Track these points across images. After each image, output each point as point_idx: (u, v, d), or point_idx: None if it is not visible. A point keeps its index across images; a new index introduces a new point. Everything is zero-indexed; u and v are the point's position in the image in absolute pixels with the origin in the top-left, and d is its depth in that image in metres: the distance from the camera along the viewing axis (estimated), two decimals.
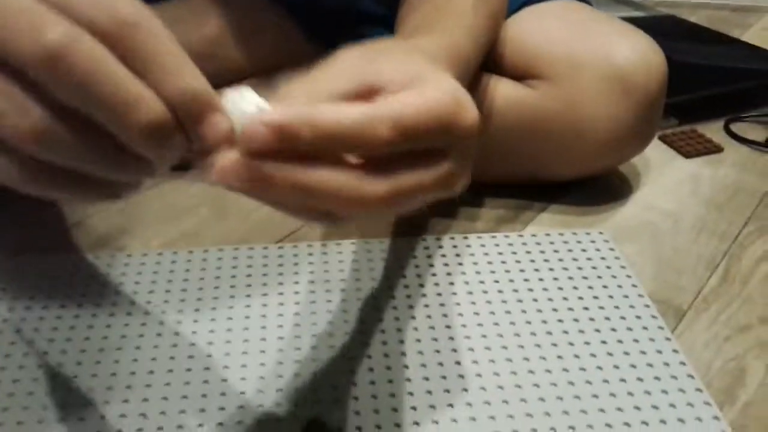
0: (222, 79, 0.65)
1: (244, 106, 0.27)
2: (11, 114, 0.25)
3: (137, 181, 0.29)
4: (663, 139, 0.76)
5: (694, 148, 0.74)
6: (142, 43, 0.25)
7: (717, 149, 0.75)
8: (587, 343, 0.48)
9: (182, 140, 0.27)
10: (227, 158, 0.27)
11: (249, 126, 0.26)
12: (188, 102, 0.26)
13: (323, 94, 0.30)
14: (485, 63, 0.62)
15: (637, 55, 0.58)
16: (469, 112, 0.31)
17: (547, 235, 0.59)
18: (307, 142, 0.27)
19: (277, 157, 0.27)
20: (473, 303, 0.51)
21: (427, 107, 0.29)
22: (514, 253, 0.56)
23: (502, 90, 0.61)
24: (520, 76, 0.61)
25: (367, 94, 0.31)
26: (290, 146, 0.26)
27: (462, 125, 0.30)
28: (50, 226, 0.60)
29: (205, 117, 0.26)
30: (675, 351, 0.47)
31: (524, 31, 0.62)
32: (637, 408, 0.43)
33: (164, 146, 0.26)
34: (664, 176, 0.70)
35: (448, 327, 0.49)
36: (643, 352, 0.47)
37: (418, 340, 0.48)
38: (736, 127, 0.78)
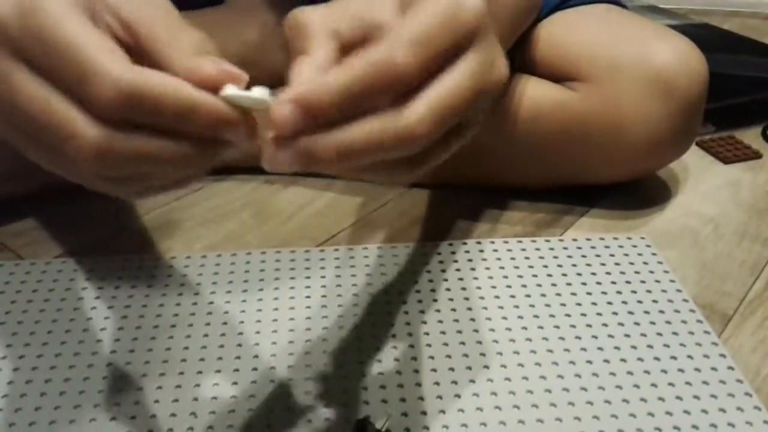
0: (263, 84, 0.66)
1: (255, 95, 0.27)
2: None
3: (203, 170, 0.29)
4: (701, 145, 0.75)
5: (732, 153, 0.74)
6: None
7: (755, 155, 0.74)
8: (633, 347, 0.47)
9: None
10: (268, 152, 0.27)
11: (277, 110, 0.26)
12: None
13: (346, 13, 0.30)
14: (522, 64, 0.63)
15: (678, 58, 0.58)
16: (484, 21, 0.29)
17: (588, 239, 0.59)
18: (336, 104, 0.26)
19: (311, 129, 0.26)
20: (516, 307, 0.51)
21: (432, 19, 0.28)
22: (556, 257, 0.56)
23: (541, 91, 0.61)
24: (558, 77, 0.61)
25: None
26: (319, 114, 0.26)
27: (480, 37, 0.29)
28: (95, 229, 0.60)
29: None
30: (722, 356, 0.47)
31: (562, 33, 0.62)
32: (687, 412, 0.43)
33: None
34: (703, 182, 0.70)
35: (491, 330, 0.49)
36: (690, 357, 0.47)
37: (462, 343, 0.48)
38: None
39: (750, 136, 0.78)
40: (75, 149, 0.26)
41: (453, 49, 0.28)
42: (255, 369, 0.45)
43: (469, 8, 0.29)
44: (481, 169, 0.64)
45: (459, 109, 0.28)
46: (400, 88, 0.27)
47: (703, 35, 0.97)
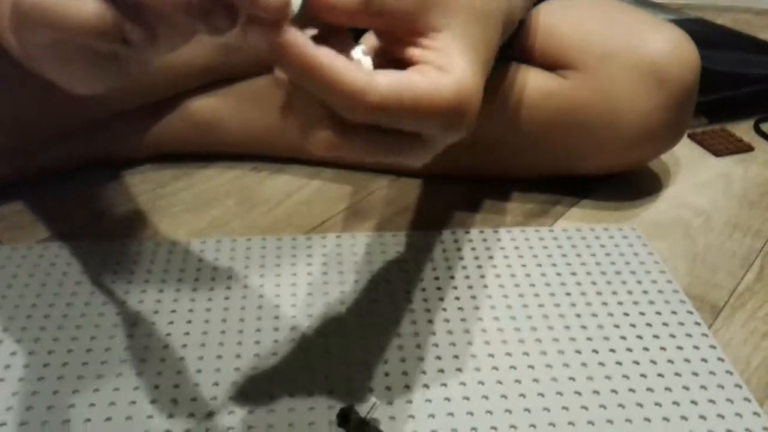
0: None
1: None
2: None
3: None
4: (693, 137, 0.75)
5: (724, 146, 0.73)
6: None
7: (747, 148, 0.74)
8: (623, 337, 0.47)
9: None
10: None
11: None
12: None
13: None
14: (515, 52, 0.62)
15: (670, 46, 0.58)
16: (465, 116, 0.32)
17: (579, 230, 0.58)
18: (295, 74, 0.28)
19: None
20: (505, 296, 0.50)
21: (425, 102, 0.30)
22: (546, 247, 0.56)
23: (533, 80, 0.60)
24: (550, 66, 0.60)
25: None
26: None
27: (453, 129, 0.32)
28: (78, 214, 0.59)
29: None
30: (712, 347, 0.46)
31: (555, 21, 0.61)
32: (676, 403, 0.42)
33: None
34: (695, 174, 0.69)
35: (479, 319, 0.48)
36: (680, 348, 0.46)
37: (450, 332, 0.47)
38: (766, 127, 0.77)
39: (742, 129, 0.78)
40: None
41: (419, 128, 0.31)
42: (238, 356, 0.45)
43: (462, 122, 0.32)
44: (472, 159, 0.64)
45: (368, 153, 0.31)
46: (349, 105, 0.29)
47: (697, 30, 0.96)
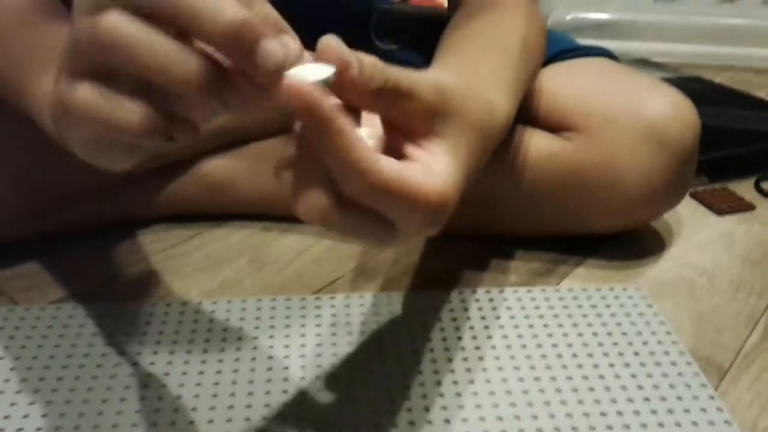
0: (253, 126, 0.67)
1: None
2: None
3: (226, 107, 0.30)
4: (694, 196, 0.76)
5: (726, 205, 0.74)
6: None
7: (749, 207, 0.75)
8: (630, 400, 0.47)
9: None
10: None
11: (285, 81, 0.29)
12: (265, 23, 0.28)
13: (410, 85, 0.34)
14: (519, 114, 0.64)
15: (670, 109, 0.59)
16: (438, 222, 0.34)
17: (584, 289, 0.59)
18: (317, 131, 0.29)
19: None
20: (512, 357, 0.51)
21: (410, 195, 0.32)
22: (552, 307, 0.56)
23: (537, 141, 0.62)
24: (553, 128, 0.62)
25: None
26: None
27: (424, 227, 0.34)
28: (92, 275, 0.60)
29: (258, 41, 0.28)
30: (719, 409, 0.47)
31: (558, 84, 0.63)
32: None
33: (252, 52, 0.27)
34: (698, 233, 0.70)
35: (488, 381, 0.49)
36: (688, 411, 0.46)
37: (458, 394, 0.47)
38: (766, 186, 0.79)
39: (743, 188, 0.79)
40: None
41: (395, 217, 0.33)
42: (247, 419, 0.45)
43: (437, 222, 0.34)
44: (477, 218, 0.65)
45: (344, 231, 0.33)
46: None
47: (696, 88, 0.99)
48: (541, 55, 0.59)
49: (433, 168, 0.34)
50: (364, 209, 0.32)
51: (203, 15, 0.27)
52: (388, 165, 0.31)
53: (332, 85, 0.30)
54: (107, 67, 0.29)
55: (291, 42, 0.29)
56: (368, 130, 0.34)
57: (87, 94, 0.30)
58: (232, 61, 0.28)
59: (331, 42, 0.30)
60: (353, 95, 0.32)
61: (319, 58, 0.30)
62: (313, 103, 0.28)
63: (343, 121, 0.29)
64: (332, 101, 0.30)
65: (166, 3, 0.27)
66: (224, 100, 0.29)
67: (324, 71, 0.30)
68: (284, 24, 0.29)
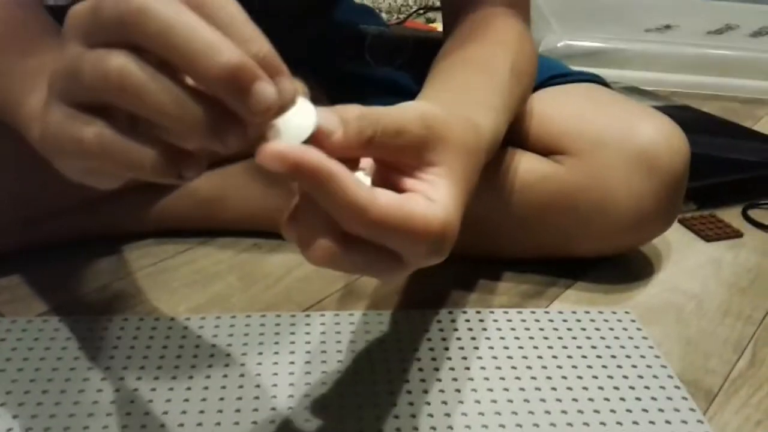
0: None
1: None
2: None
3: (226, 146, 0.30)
4: (683, 222, 0.77)
5: (714, 232, 0.75)
6: (217, 10, 0.28)
7: (736, 234, 0.75)
8: (619, 423, 0.47)
9: (266, 90, 0.28)
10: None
11: (266, 148, 0.29)
12: (262, 63, 0.28)
13: (397, 124, 0.34)
14: (510, 137, 0.64)
15: (660, 135, 0.60)
16: (441, 249, 0.34)
17: (574, 312, 0.59)
18: (308, 184, 0.30)
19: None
20: (502, 378, 0.51)
21: (411, 226, 0.32)
22: (542, 329, 0.56)
23: (527, 164, 0.62)
24: (544, 151, 0.63)
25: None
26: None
27: (429, 255, 0.34)
28: (79, 288, 0.60)
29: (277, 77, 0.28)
30: None
31: (550, 108, 0.64)
32: None
33: (246, 94, 0.27)
34: (686, 259, 0.71)
35: (477, 402, 0.48)
36: None
37: (447, 414, 0.47)
38: (754, 214, 0.80)
39: (731, 215, 0.80)
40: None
41: (398, 249, 0.33)
42: None
43: (441, 251, 0.34)
44: (467, 240, 0.65)
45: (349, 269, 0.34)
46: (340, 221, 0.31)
47: (685, 117, 1.00)
48: (531, 79, 0.60)
49: (432, 196, 0.35)
50: (370, 246, 0.32)
51: (199, 56, 0.27)
52: (386, 198, 0.31)
53: (319, 146, 0.31)
54: (110, 104, 0.29)
55: (287, 84, 0.29)
56: (364, 171, 0.34)
57: (98, 131, 0.30)
58: (226, 102, 0.28)
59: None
60: (343, 151, 0.32)
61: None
62: (297, 163, 0.29)
63: (332, 166, 0.29)
64: (316, 152, 0.30)
65: (162, 44, 0.27)
66: (225, 142, 0.29)
67: (309, 120, 0.30)
68: (281, 65, 0.29)
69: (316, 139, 0.30)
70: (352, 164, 0.33)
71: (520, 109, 0.58)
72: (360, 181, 0.31)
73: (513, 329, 0.56)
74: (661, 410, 0.48)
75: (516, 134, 0.64)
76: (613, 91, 0.69)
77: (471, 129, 0.41)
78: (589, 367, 0.52)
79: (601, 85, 0.70)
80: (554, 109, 0.64)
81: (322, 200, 0.30)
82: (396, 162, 0.36)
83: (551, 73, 0.68)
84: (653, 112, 0.63)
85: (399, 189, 0.35)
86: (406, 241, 0.32)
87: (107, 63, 0.28)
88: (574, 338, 0.56)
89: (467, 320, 0.57)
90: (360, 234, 0.31)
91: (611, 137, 0.60)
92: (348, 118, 0.32)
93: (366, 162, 0.35)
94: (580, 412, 0.48)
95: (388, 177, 0.36)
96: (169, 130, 0.29)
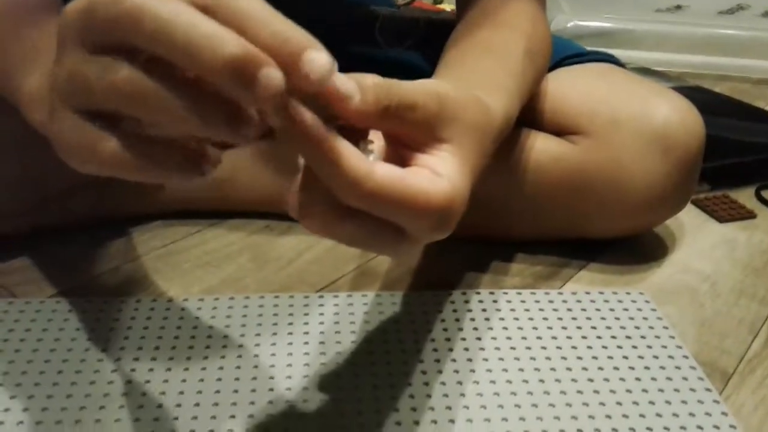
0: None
1: None
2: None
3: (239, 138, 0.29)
4: (696, 203, 0.76)
5: (727, 213, 0.74)
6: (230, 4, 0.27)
7: (750, 215, 0.75)
8: (635, 403, 0.47)
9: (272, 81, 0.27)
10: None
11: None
12: (281, 44, 0.27)
13: (411, 97, 0.33)
14: (524, 117, 0.64)
15: (676, 115, 0.60)
16: (445, 225, 0.34)
17: (588, 293, 0.59)
18: (305, 151, 0.29)
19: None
20: (516, 359, 0.51)
21: (412, 198, 0.32)
22: (555, 310, 0.56)
23: (542, 144, 0.61)
24: (559, 131, 0.62)
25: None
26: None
27: (432, 230, 0.33)
28: (92, 269, 0.60)
29: (300, 56, 0.27)
30: (724, 414, 0.46)
31: (564, 88, 0.63)
32: None
33: (252, 83, 0.26)
34: (699, 239, 0.70)
35: (492, 382, 0.48)
36: (692, 414, 0.46)
37: (462, 395, 0.47)
38: (767, 194, 0.79)
39: (744, 196, 0.79)
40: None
41: (402, 223, 0.33)
42: (251, 416, 0.45)
43: (445, 226, 0.34)
44: (481, 220, 0.65)
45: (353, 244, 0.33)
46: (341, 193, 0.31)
47: (697, 97, 0.99)
48: (546, 60, 0.59)
49: (439, 171, 0.34)
50: (368, 218, 0.32)
51: (201, 51, 0.26)
52: (384, 171, 0.31)
53: (335, 110, 0.30)
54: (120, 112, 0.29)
55: (322, 57, 0.27)
56: (372, 153, 0.33)
57: (114, 148, 0.29)
58: (235, 95, 0.27)
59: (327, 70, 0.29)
60: (358, 119, 0.32)
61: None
62: (298, 127, 0.28)
63: (327, 135, 0.29)
64: (316, 117, 0.29)
65: (161, 42, 0.26)
66: (243, 134, 0.28)
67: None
68: (311, 40, 0.28)
69: (333, 103, 0.30)
70: (361, 135, 0.33)
71: (534, 90, 0.58)
72: (357, 151, 0.30)
73: (527, 310, 0.56)
74: (676, 390, 0.48)
75: (530, 114, 0.64)
76: (628, 71, 0.68)
77: (482, 109, 0.41)
78: (604, 347, 0.52)
79: (616, 65, 0.69)
80: (569, 89, 0.63)
81: (318, 167, 0.30)
82: (407, 137, 0.35)
83: (566, 53, 0.67)
84: (669, 92, 0.63)
85: (408, 164, 0.35)
86: (406, 215, 0.32)
87: (113, 75, 0.28)
88: (589, 319, 0.55)
89: (480, 301, 0.57)
90: (355, 205, 0.31)
91: (626, 117, 0.60)
92: (366, 85, 0.31)
93: (376, 144, 0.35)
94: (596, 392, 0.48)
95: (398, 152, 0.36)
96: (184, 132, 0.29)
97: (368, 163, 0.31)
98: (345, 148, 0.30)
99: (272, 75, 0.26)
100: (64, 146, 0.32)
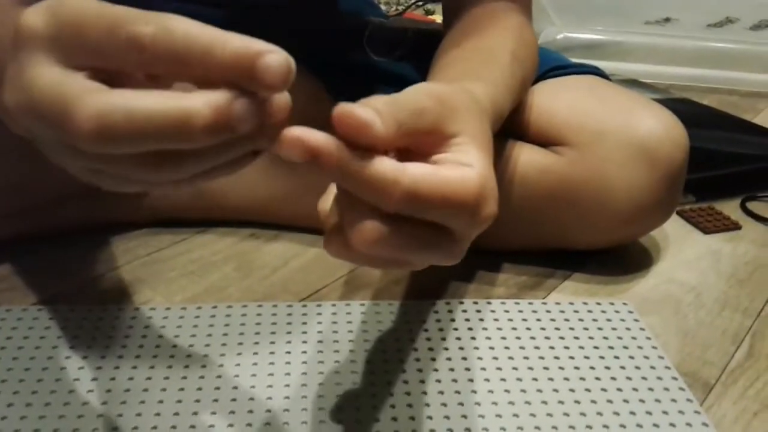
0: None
1: None
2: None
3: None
4: (681, 214, 0.77)
5: (712, 224, 0.75)
6: (165, 49, 0.27)
7: (735, 226, 0.75)
8: (616, 413, 0.47)
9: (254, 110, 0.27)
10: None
11: (286, 135, 0.28)
12: (233, 67, 0.26)
13: (414, 106, 0.33)
14: (510, 128, 0.64)
15: (661, 127, 0.60)
16: (487, 207, 0.33)
17: (572, 303, 0.59)
18: (331, 171, 0.29)
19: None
20: (499, 369, 0.51)
21: (448, 191, 0.31)
22: (539, 320, 0.56)
23: (528, 156, 0.62)
24: (544, 142, 0.62)
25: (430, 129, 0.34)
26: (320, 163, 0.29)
27: (475, 218, 0.32)
28: (74, 277, 0.60)
29: (252, 71, 0.26)
30: (705, 424, 0.47)
31: (550, 100, 0.63)
32: None
33: (237, 126, 0.27)
34: (684, 250, 0.70)
35: (474, 392, 0.48)
36: (673, 425, 0.46)
37: (444, 404, 0.47)
38: (752, 206, 0.79)
39: (729, 208, 0.79)
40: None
41: (443, 221, 0.32)
42: (231, 425, 0.44)
43: (485, 212, 0.33)
44: None
45: (399, 263, 0.33)
46: (374, 203, 0.30)
47: (684, 110, 0.99)
48: (533, 65, 0.59)
49: (462, 161, 0.34)
50: (417, 222, 0.31)
51: (211, 50, 0.26)
52: (415, 167, 0.30)
53: (356, 141, 0.30)
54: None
55: (277, 56, 0.27)
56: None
57: (114, 182, 0.30)
58: (241, 85, 0.27)
59: (345, 108, 0.29)
60: (381, 143, 0.31)
61: (336, 126, 0.29)
62: (316, 147, 0.28)
63: (348, 152, 0.29)
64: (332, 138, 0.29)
65: (180, 54, 0.26)
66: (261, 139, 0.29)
67: None
68: (261, 46, 0.27)
69: (355, 133, 0.29)
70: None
71: (523, 92, 0.58)
72: (379, 156, 0.30)
73: (510, 320, 0.56)
74: (658, 401, 0.48)
75: (516, 126, 0.64)
76: (614, 83, 0.68)
77: (470, 96, 0.40)
78: (587, 358, 0.52)
79: (602, 77, 0.69)
80: (554, 101, 0.64)
81: (351, 185, 0.30)
82: (419, 144, 0.34)
83: (551, 65, 0.68)
84: (653, 105, 0.63)
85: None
86: (448, 209, 0.31)
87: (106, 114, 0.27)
88: (572, 329, 0.55)
89: (465, 311, 0.57)
90: (400, 209, 0.30)
91: (612, 129, 0.60)
92: (379, 108, 0.30)
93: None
94: (577, 402, 0.48)
95: (417, 159, 0.35)
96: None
97: (397, 163, 0.30)
98: (371, 155, 0.29)
99: (272, 57, 0.26)
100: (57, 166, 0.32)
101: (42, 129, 0.29)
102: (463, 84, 0.43)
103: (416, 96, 0.34)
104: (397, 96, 0.33)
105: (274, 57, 0.26)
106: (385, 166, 0.30)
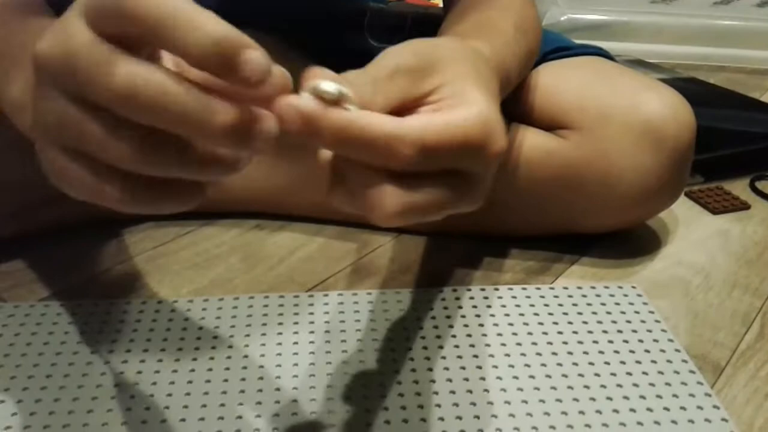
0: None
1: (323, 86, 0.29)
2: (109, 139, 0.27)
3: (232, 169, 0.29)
4: (689, 195, 0.76)
5: (721, 204, 0.74)
6: (148, 25, 0.26)
7: (744, 206, 0.74)
8: (626, 397, 0.47)
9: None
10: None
11: (283, 107, 0.28)
12: (212, 53, 0.26)
13: (388, 67, 0.32)
14: (514, 111, 0.63)
15: (667, 108, 0.59)
16: (496, 141, 0.32)
17: (579, 288, 0.58)
18: (330, 143, 0.28)
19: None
20: (507, 355, 0.50)
21: (454, 133, 0.31)
22: (547, 305, 0.56)
23: (532, 140, 0.61)
24: (549, 126, 0.62)
25: (420, 79, 0.33)
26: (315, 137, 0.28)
27: (487, 154, 0.32)
28: (81, 272, 0.60)
29: (235, 62, 0.26)
30: (716, 407, 0.46)
31: (554, 81, 0.63)
32: None
33: (250, 140, 0.27)
34: (693, 232, 0.70)
35: (482, 379, 0.48)
36: (684, 408, 0.46)
37: (452, 392, 0.47)
38: (761, 185, 0.79)
39: (738, 188, 0.79)
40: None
41: (457, 165, 0.32)
42: (239, 417, 0.44)
43: (494, 146, 0.32)
44: (472, 217, 0.64)
45: (424, 215, 0.31)
46: (386, 166, 0.30)
47: (691, 89, 0.99)
48: (536, 38, 0.59)
49: (458, 103, 0.33)
50: (433, 175, 0.31)
51: (188, 31, 0.26)
52: (414, 119, 0.30)
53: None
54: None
55: (258, 56, 0.27)
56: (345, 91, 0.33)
57: (119, 195, 0.30)
58: (221, 79, 0.27)
59: (318, 72, 0.29)
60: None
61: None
62: (315, 117, 0.28)
63: (343, 116, 0.28)
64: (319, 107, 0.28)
65: (151, 28, 0.26)
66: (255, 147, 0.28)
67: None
68: (243, 39, 0.27)
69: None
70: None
71: (528, 62, 0.57)
72: (376, 115, 0.29)
73: (518, 306, 0.56)
74: (668, 384, 0.48)
75: (520, 109, 0.63)
76: (618, 64, 0.67)
77: (465, 46, 0.39)
78: (595, 342, 0.52)
79: (606, 58, 0.68)
80: (558, 83, 0.63)
81: (354, 152, 0.29)
82: (408, 106, 0.33)
83: (555, 46, 0.67)
84: (658, 85, 0.62)
85: None
86: (458, 151, 0.31)
87: (114, 76, 0.26)
88: (580, 314, 0.55)
89: (472, 297, 0.57)
90: (412, 165, 0.30)
91: (617, 111, 0.59)
92: (349, 79, 0.30)
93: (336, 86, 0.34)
94: (587, 387, 0.48)
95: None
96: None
97: (395, 119, 0.30)
98: (366, 114, 0.29)
99: (255, 55, 0.26)
100: (61, 184, 0.32)
101: (64, 85, 0.28)
102: (465, 41, 0.42)
103: (387, 57, 0.33)
104: (367, 67, 0.33)
105: (255, 53, 0.26)
106: (386, 124, 0.29)
